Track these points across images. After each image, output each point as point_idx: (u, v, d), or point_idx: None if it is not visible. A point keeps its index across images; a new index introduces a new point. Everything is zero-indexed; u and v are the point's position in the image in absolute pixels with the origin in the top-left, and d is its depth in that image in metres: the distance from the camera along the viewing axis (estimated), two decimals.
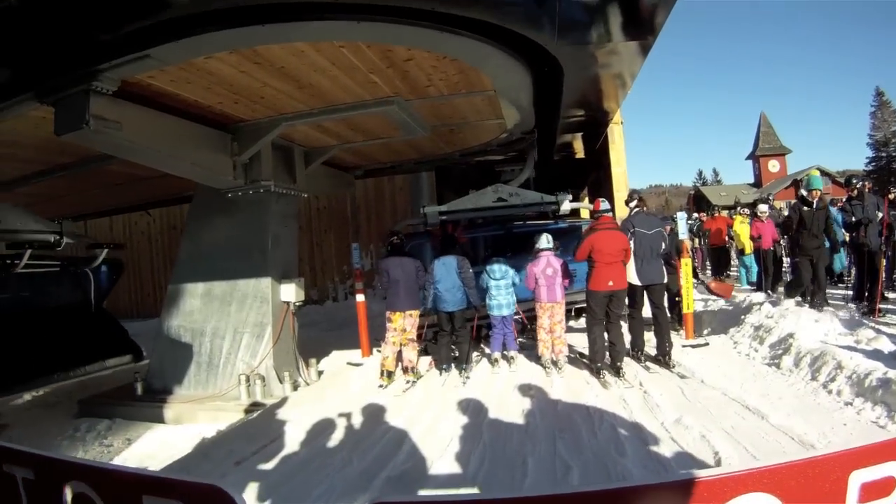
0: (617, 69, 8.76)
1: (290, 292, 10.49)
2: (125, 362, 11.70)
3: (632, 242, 9.91)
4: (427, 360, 11.09)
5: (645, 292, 10.22)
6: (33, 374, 10.31)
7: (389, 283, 10.24)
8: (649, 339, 10.41)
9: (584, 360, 10.31)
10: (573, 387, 8.96)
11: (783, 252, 19.78)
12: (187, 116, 8.77)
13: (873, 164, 78.06)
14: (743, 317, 11.67)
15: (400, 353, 10.41)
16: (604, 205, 10.04)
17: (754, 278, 19.09)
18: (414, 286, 10.35)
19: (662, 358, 9.93)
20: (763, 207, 18.25)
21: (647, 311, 10.28)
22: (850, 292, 14.84)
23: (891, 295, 13.09)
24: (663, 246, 10.14)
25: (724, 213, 30.96)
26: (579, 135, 15.88)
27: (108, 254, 11.98)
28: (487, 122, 10.96)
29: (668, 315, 10.70)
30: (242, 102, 8.64)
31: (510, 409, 8.04)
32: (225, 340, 10.45)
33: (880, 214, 12.39)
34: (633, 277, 9.99)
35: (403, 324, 10.28)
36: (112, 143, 7.76)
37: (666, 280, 10.28)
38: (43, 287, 10.99)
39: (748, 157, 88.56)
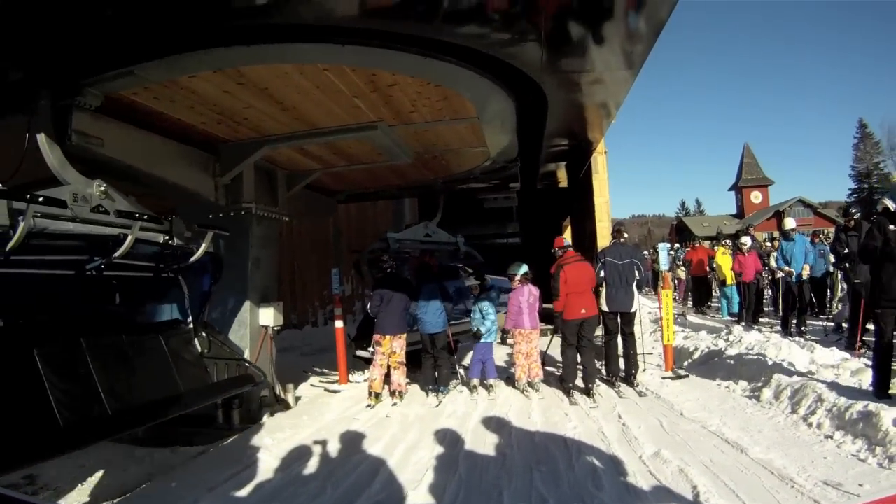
0: (601, 98, 8.78)
1: (269, 316, 10.38)
2: (243, 390, 9.76)
3: (603, 272, 10.51)
4: (408, 381, 11.05)
5: (619, 319, 10.65)
6: (124, 421, 7.19)
7: (381, 308, 10.35)
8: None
9: (559, 380, 10.73)
10: (551, 417, 8.90)
11: (765, 283, 19.90)
12: (170, 135, 8.70)
13: (855, 195, 78.99)
14: (723, 348, 11.68)
15: (388, 375, 10.53)
16: (565, 242, 10.92)
17: (735, 309, 19.20)
18: (403, 311, 10.58)
19: (628, 379, 10.51)
20: (746, 240, 18.40)
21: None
22: (831, 323, 14.99)
23: None
24: (637, 275, 10.50)
25: (706, 244, 31.12)
26: (563, 164, 15.90)
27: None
28: (471, 150, 10.96)
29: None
30: (226, 123, 8.58)
31: (487, 439, 7.99)
32: None
33: None
34: (603, 304, 10.53)
35: (392, 346, 10.43)
36: (94, 161, 7.57)
37: (635, 308, 10.61)
38: (132, 298, 8.83)
39: (731, 188, 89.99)
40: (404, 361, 10.66)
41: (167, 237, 7.97)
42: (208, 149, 9.50)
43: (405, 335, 10.69)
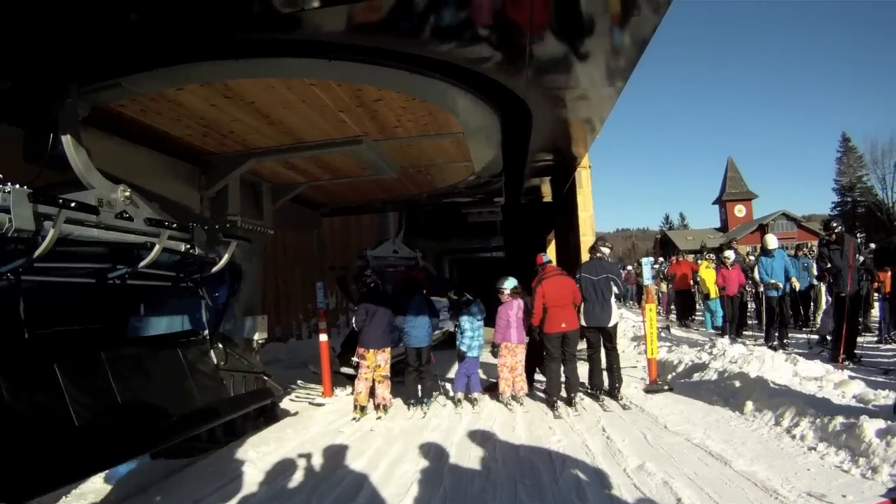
0: (586, 114, 8.84)
1: (253, 329, 10.36)
2: (263, 404, 9.65)
3: (581, 287, 10.53)
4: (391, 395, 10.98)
5: (600, 334, 10.70)
6: (141, 438, 7.02)
7: (365, 322, 10.32)
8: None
9: (541, 394, 10.82)
10: (535, 431, 8.86)
11: (749, 297, 19.98)
12: (156, 147, 8.76)
13: (838, 208, 79.56)
14: (707, 362, 11.71)
15: (373, 388, 10.50)
16: (545, 258, 11.06)
17: (719, 322, 19.26)
18: (387, 325, 10.54)
19: (611, 392, 10.53)
20: (729, 254, 18.51)
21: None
22: (815, 336, 15.10)
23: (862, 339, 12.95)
24: (614, 290, 10.55)
25: (690, 257, 31.19)
26: (547, 179, 15.96)
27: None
28: (455, 165, 11.05)
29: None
30: (212, 136, 8.64)
31: (472, 452, 7.95)
32: None
33: (861, 258, 12.48)
34: (581, 319, 10.57)
35: (377, 360, 10.40)
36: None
37: (613, 323, 10.63)
38: (151, 307, 8.90)
39: (715, 202, 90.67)
40: (389, 375, 10.65)
41: (189, 246, 7.92)
42: (194, 161, 9.56)
43: (389, 349, 10.68)
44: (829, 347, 12.91)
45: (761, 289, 16.38)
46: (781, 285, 14.68)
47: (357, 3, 5.23)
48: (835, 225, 12.84)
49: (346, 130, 8.64)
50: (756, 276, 16.84)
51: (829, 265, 12.20)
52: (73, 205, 5.70)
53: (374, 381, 10.47)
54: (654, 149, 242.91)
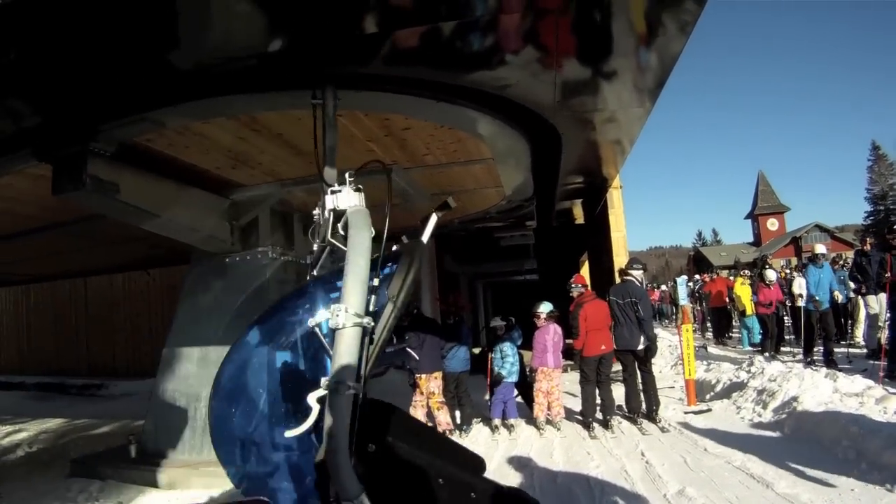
0: (615, 135, 8.78)
1: None
2: None
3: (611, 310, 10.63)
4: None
5: (632, 356, 10.63)
6: None
7: (419, 348, 10.32)
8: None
9: (577, 416, 10.76)
10: (573, 457, 8.78)
11: (786, 313, 19.68)
12: (185, 180, 8.76)
13: (871, 217, 78.50)
14: (746, 380, 11.53)
15: (429, 414, 10.55)
16: (586, 280, 11.52)
17: (756, 340, 19.03)
18: (438, 350, 10.67)
19: (649, 415, 10.39)
20: (771, 274, 18.25)
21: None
22: (856, 350, 14.86)
23: None
24: (638, 313, 10.43)
25: (724, 273, 30.88)
26: (578, 201, 15.90)
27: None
28: (486, 190, 10.98)
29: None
30: (240, 168, 8.67)
31: (510, 479, 7.83)
32: None
33: None
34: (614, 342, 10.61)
35: (430, 387, 10.46)
36: (108, 206, 7.75)
37: (641, 346, 10.49)
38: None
39: (747, 217, 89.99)
40: (444, 401, 10.66)
41: None
42: (223, 193, 9.59)
43: (440, 373, 10.68)
44: (873, 362, 12.65)
45: (799, 303, 16.08)
46: (827, 299, 14.43)
47: (384, 35, 5.22)
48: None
49: (374, 159, 8.43)
50: (795, 289, 16.61)
51: (887, 273, 11.79)
52: None
53: (431, 407, 10.51)
54: (685, 165, 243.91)
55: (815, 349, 14.62)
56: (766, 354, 15.98)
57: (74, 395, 20.07)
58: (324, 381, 2.52)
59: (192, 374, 10.58)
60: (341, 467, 2.46)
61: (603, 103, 7.16)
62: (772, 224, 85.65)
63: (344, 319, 2.55)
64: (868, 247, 13.47)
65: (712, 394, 12.13)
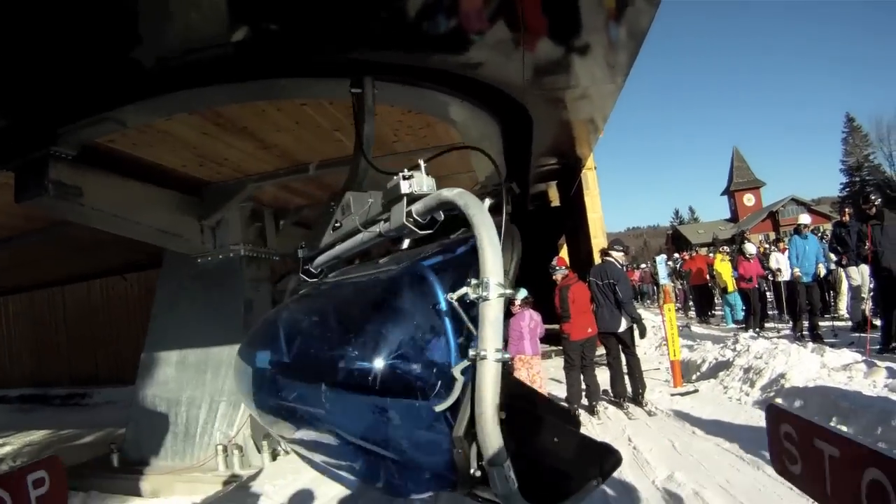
0: (588, 113, 8.64)
1: None
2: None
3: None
4: None
5: (615, 339, 10.53)
6: None
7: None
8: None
9: (563, 403, 10.31)
10: None
11: (767, 287, 19.63)
12: (152, 180, 8.58)
13: (847, 189, 78.78)
14: (732, 359, 11.42)
15: None
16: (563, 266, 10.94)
17: (739, 316, 19.09)
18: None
19: (635, 399, 10.33)
20: (750, 248, 18.28)
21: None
22: (841, 323, 14.83)
23: None
24: (617, 295, 10.31)
25: (703, 251, 30.93)
26: (553, 183, 15.76)
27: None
28: (458, 176, 10.79)
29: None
30: (207, 165, 8.50)
31: None
32: (201, 410, 10.09)
33: None
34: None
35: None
36: (73, 211, 7.54)
37: (622, 329, 10.36)
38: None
39: (723, 193, 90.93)
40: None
41: None
42: (191, 192, 9.41)
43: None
44: (858, 334, 12.59)
45: (781, 277, 16.05)
46: (811, 272, 14.37)
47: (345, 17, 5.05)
48: (874, 198, 11.98)
49: (343, 149, 8.30)
50: (773, 263, 16.61)
51: (867, 244, 11.64)
52: None
53: None
54: (658, 144, 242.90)
55: (805, 324, 14.51)
56: (751, 332, 15.87)
57: (58, 406, 20.04)
58: (472, 351, 2.63)
59: (172, 378, 10.49)
60: (492, 434, 2.54)
61: (574, 80, 7.00)
62: (748, 199, 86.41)
63: (492, 291, 2.62)
64: (847, 218, 13.37)
65: (698, 374, 12.03)
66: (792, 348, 10.51)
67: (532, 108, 7.79)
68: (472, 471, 2.70)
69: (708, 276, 22.33)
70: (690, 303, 25.36)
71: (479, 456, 2.64)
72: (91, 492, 9.53)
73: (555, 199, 18.55)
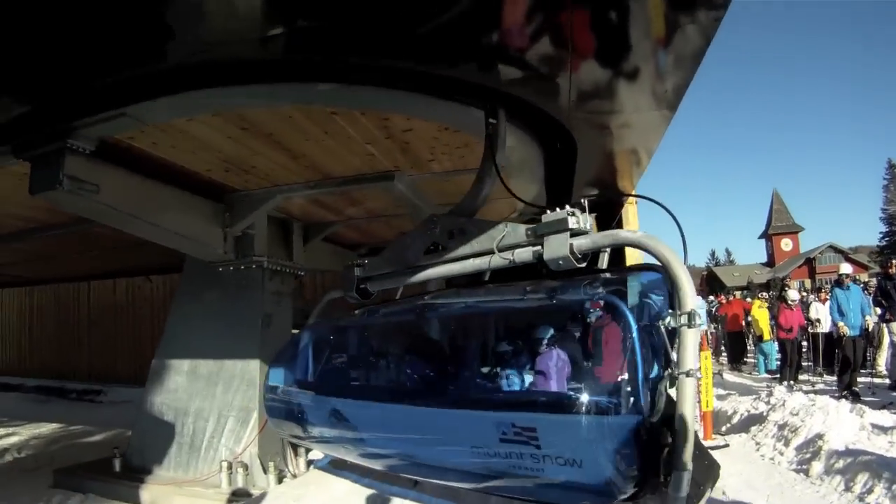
0: (633, 144, 8.21)
1: None
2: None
3: None
4: None
5: None
6: None
7: None
8: None
9: None
10: None
11: (805, 338, 19.11)
12: (175, 183, 8.32)
13: (887, 238, 78.18)
14: (765, 412, 10.91)
15: None
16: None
17: (773, 366, 18.60)
18: None
19: None
20: (793, 294, 17.71)
21: None
22: (879, 380, 14.37)
23: None
24: None
25: (738, 294, 30.41)
26: (592, 216, 15.42)
27: None
28: (496, 202, 10.41)
29: None
30: (233, 171, 8.20)
31: None
32: (209, 423, 9.83)
33: None
34: None
35: None
36: (88, 207, 7.31)
37: None
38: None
39: (761, 236, 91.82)
40: None
41: None
42: (217, 198, 9.15)
43: None
44: None
45: (820, 328, 15.62)
46: (858, 325, 13.87)
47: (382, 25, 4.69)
48: None
49: (375, 165, 8.12)
50: (813, 313, 16.22)
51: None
52: None
53: None
54: (699, 183, 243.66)
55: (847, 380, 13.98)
56: (786, 383, 15.38)
57: (73, 400, 20.03)
58: (676, 370, 3.23)
59: (182, 387, 10.27)
60: (690, 442, 3.07)
61: (620, 106, 6.59)
62: (786, 244, 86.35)
63: (693, 321, 3.21)
64: (894, 270, 12.92)
65: (728, 426, 11.55)
66: (830, 406, 10.02)
67: (577, 133, 7.40)
68: (661, 476, 3.18)
69: (743, 323, 21.78)
70: (723, 348, 24.77)
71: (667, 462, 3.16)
72: (89, 494, 9.45)
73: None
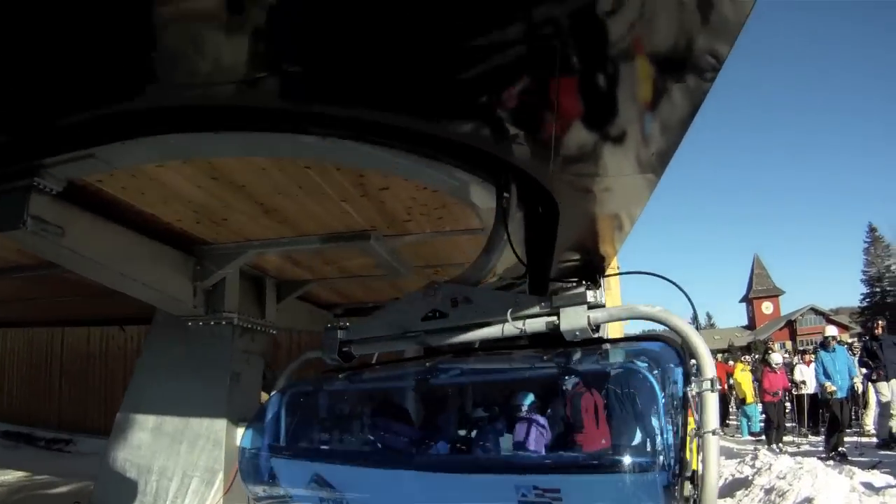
0: (616, 209, 8.02)
1: None
2: None
3: None
4: None
5: None
6: None
7: None
8: None
9: None
10: None
11: (788, 399, 19.24)
12: (145, 231, 8.11)
13: (867, 300, 79.29)
14: (751, 476, 10.66)
15: None
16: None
17: (756, 428, 18.65)
18: None
19: None
20: (776, 357, 17.87)
21: None
22: (865, 439, 14.37)
23: None
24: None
25: (719, 357, 30.58)
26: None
27: None
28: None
29: None
30: (205, 222, 7.95)
31: None
32: (172, 482, 9.49)
33: None
34: None
35: None
36: (52, 250, 7.10)
37: None
38: None
39: (741, 300, 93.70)
40: None
41: None
42: (187, 249, 8.92)
43: None
44: (884, 452, 12.16)
45: (805, 390, 15.70)
46: (845, 387, 13.88)
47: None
48: None
49: (351, 223, 7.90)
50: (797, 375, 16.28)
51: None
52: None
53: None
54: (679, 248, 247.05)
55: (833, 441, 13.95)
56: (773, 447, 15.31)
57: (41, 448, 19.74)
58: (702, 430, 3.67)
59: (145, 443, 9.92)
60: (714, 493, 3.56)
61: (604, 170, 6.44)
62: (766, 307, 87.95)
63: (714, 386, 3.75)
64: (880, 331, 12.97)
65: None
66: (819, 468, 9.80)
67: (559, 197, 7.19)
68: None
69: (725, 386, 21.75)
70: None
71: None
72: None
73: None
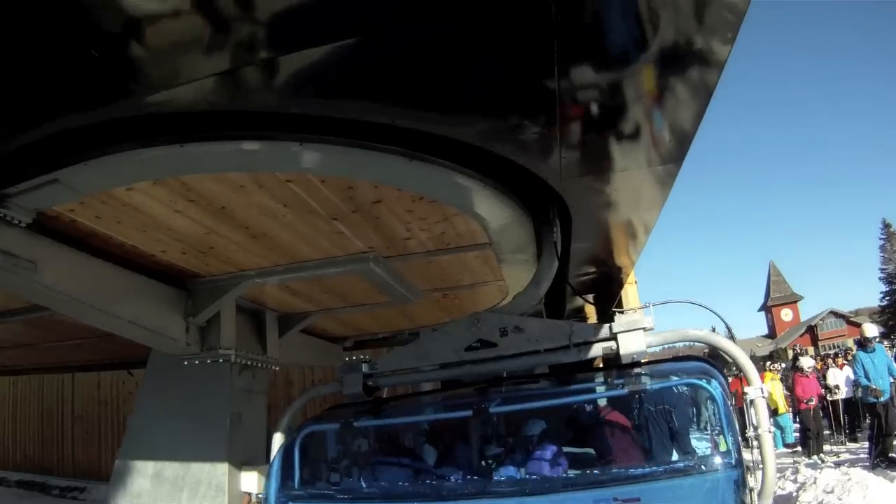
0: (630, 217, 7.69)
1: (253, 482, 8.99)
2: None
3: None
4: None
5: None
6: None
7: None
8: None
9: None
10: None
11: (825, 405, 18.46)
12: (129, 265, 7.59)
13: (887, 298, 77.96)
14: (795, 493, 9.99)
15: None
16: None
17: (791, 439, 18.02)
18: None
19: None
20: (807, 362, 17.20)
21: None
22: None
23: None
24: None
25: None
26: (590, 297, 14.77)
27: None
28: (486, 286, 9.64)
29: None
30: (191, 253, 7.43)
31: None
32: None
33: None
34: None
35: None
36: (26, 287, 6.67)
37: None
38: None
39: (760, 309, 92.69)
40: None
41: None
42: (177, 283, 8.41)
43: None
44: None
45: (839, 395, 15.04)
46: (886, 387, 13.14)
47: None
48: None
49: (346, 245, 7.37)
50: (831, 380, 15.65)
51: None
52: None
53: None
54: (694, 261, 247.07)
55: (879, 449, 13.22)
56: (815, 458, 14.63)
57: (55, 497, 19.23)
58: (758, 430, 4.60)
59: (146, 491, 9.41)
60: (773, 485, 4.57)
61: (616, 184, 6.20)
62: (786, 314, 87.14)
63: (764, 393, 4.70)
64: None
65: None
66: (869, 479, 9.30)
67: (573, 204, 6.58)
68: None
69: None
70: None
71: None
72: None
73: (592, 315, 17.51)
